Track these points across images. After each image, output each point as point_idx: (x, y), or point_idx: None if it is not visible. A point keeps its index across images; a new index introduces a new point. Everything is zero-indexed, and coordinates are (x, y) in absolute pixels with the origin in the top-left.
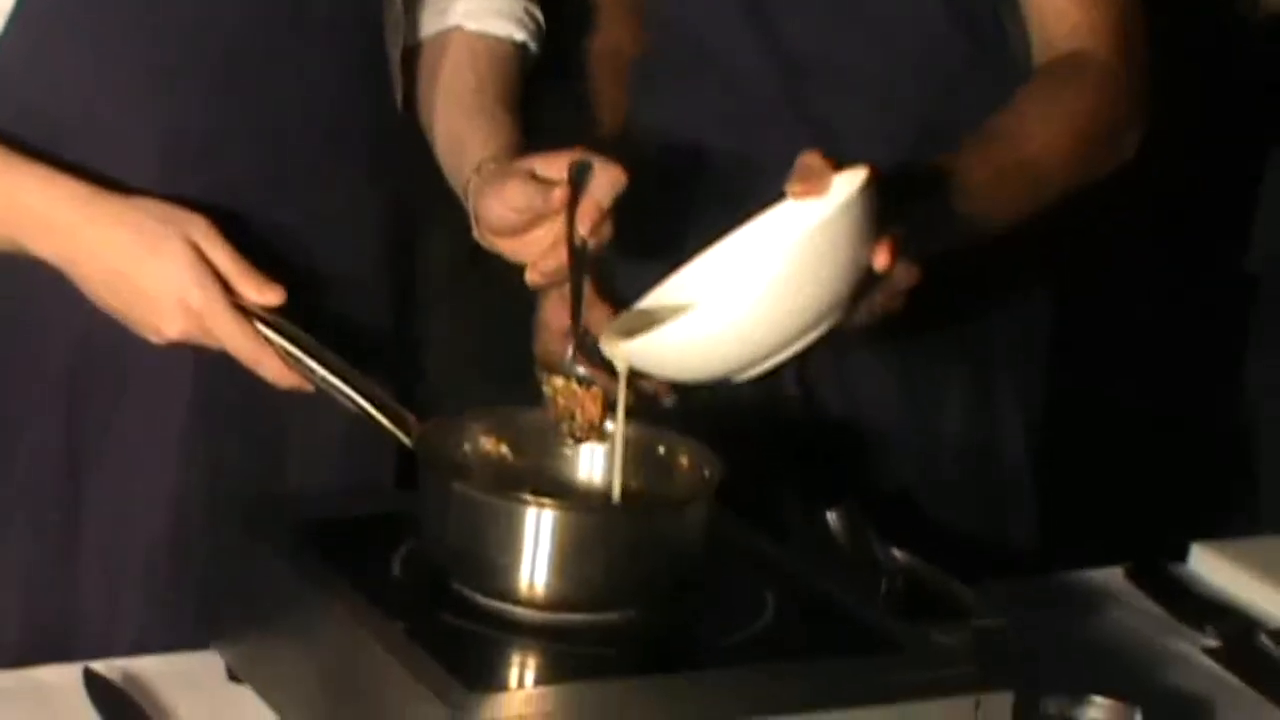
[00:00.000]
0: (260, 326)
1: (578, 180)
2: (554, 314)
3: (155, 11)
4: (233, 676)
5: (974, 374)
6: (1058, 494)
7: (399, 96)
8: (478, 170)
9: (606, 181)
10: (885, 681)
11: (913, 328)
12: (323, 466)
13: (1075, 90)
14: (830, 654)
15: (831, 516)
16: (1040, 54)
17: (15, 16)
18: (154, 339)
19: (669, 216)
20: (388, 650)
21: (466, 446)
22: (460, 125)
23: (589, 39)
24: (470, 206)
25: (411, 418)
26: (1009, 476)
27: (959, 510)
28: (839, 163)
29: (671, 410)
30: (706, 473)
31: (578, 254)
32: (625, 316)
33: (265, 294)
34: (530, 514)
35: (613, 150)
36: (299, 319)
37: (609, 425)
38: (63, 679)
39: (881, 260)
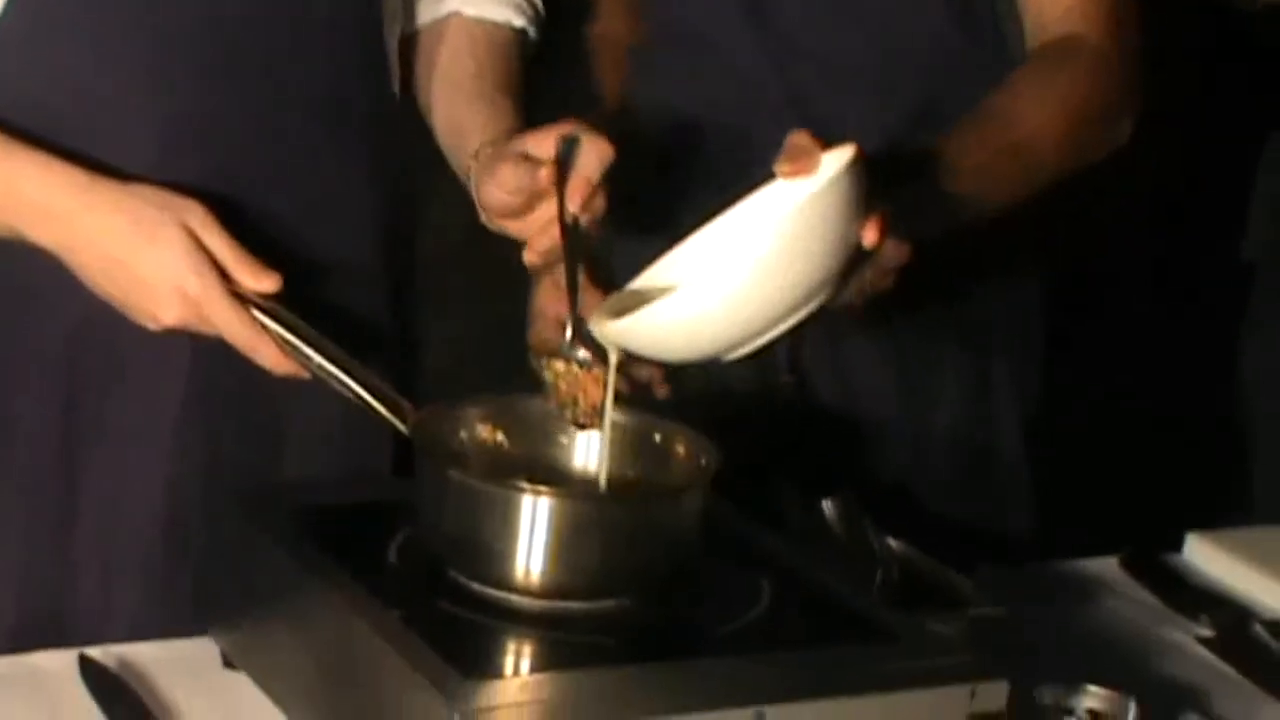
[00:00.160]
0: (257, 314)
1: (567, 157)
2: (548, 302)
3: None
4: (228, 663)
5: (969, 363)
6: (1054, 484)
7: (397, 85)
8: (475, 156)
9: (594, 156)
10: (881, 671)
11: (907, 312)
12: (320, 454)
13: (1068, 73)
14: (826, 643)
15: (827, 506)
16: (1033, 39)
17: (13, 3)
18: (151, 326)
19: (665, 202)
20: (384, 638)
21: (463, 434)
22: (460, 111)
23: (588, 27)
24: (473, 192)
25: (408, 405)
26: (1005, 465)
27: (955, 499)
28: (827, 143)
29: (666, 399)
30: (702, 461)
31: (570, 231)
32: (615, 298)
33: (262, 281)
34: (526, 502)
35: (604, 124)
36: (296, 306)
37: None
38: (58, 665)
39: (870, 236)
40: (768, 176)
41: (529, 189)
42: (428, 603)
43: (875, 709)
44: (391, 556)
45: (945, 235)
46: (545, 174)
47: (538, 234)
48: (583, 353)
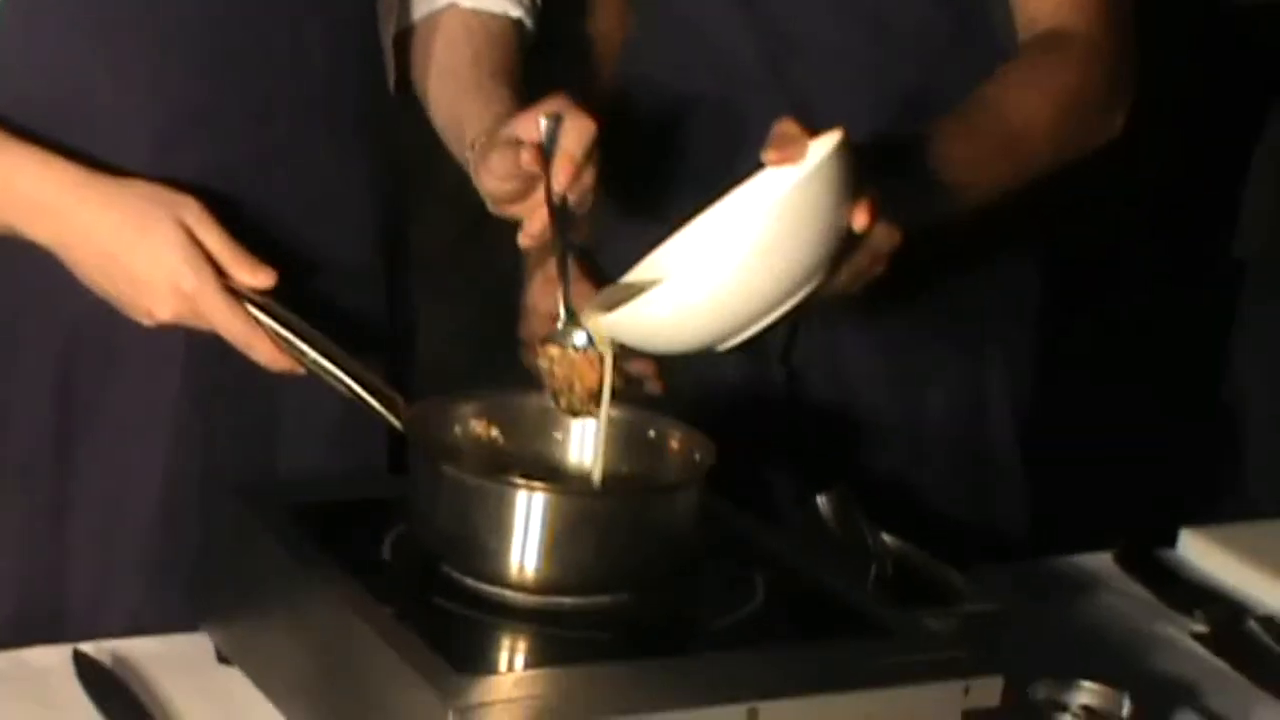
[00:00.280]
0: (252, 309)
1: (554, 136)
2: (540, 297)
3: None
4: (223, 659)
5: (962, 358)
6: (1048, 479)
7: (392, 80)
8: (472, 145)
9: (576, 133)
10: (875, 666)
11: (899, 301)
12: (315, 449)
13: (1058, 64)
14: (820, 639)
15: (822, 501)
16: (1024, 30)
17: (6, 3)
18: (146, 322)
19: (655, 195)
20: (378, 634)
21: (457, 429)
22: (458, 101)
23: (586, 21)
24: (475, 182)
25: (403, 401)
26: (998, 460)
27: (949, 494)
28: (815, 131)
29: (660, 394)
30: (697, 456)
31: (559, 211)
32: (607, 291)
33: (257, 276)
34: (521, 497)
35: (594, 102)
36: (291, 302)
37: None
38: (52, 660)
39: (860, 220)
40: (757, 166)
41: (519, 173)
42: (422, 598)
43: (869, 705)
44: (386, 552)
45: (936, 225)
46: (527, 156)
47: (529, 216)
48: (578, 336)
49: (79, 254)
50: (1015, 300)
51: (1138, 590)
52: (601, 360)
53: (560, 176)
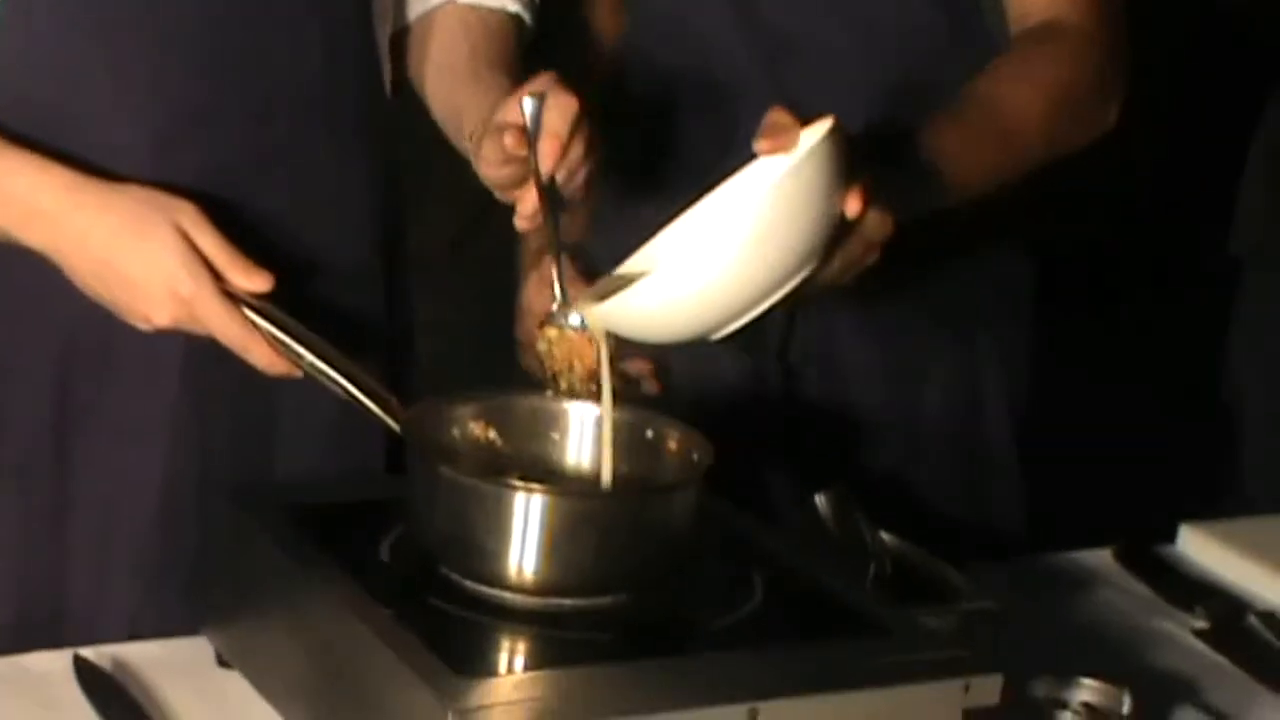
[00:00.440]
0: (249, 313)
1: (537, 116)
2: (537, 298)
3: None
4: (222, 662)
5: (957, 353)
6: (1044, 477)
7: (388, 81)
8: (470, 136)
9: (559, 110)
10: (874, 665)
11: (894, 298)
12: (313, 452)
13: (1050, 56)
14: (819, 638)
15: (820, 500)
16: (1016, 25)
17: (5, 4)
18: (143, 326)
19: (653, 187)
20: (377, 636)
21: (455, 431)
22: (456, 93)
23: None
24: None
25: (400, 403)
26: (995, 456)
27: (947, 492)
28: (806, 120)
29: (658, 393)
30: (695, 457)
31: (549, 191)
32: (601, 282)
33: (254, 280)
34: (519, 499)
35: (575, 79)
36: (289, 305)
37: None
38: (53, 666)
39: (853, 206)
40: (750, 157)
41: (509, 157)
42: (421, 601)
43: (869, 704)
44: (384, 554)
45: (929, 217)
46: (509, 139)
47: (520, 198)
48: (575, 316)
49: (75, 259)
50: (1010, 295)
51: (1137, 586)
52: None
53: (545, 155)
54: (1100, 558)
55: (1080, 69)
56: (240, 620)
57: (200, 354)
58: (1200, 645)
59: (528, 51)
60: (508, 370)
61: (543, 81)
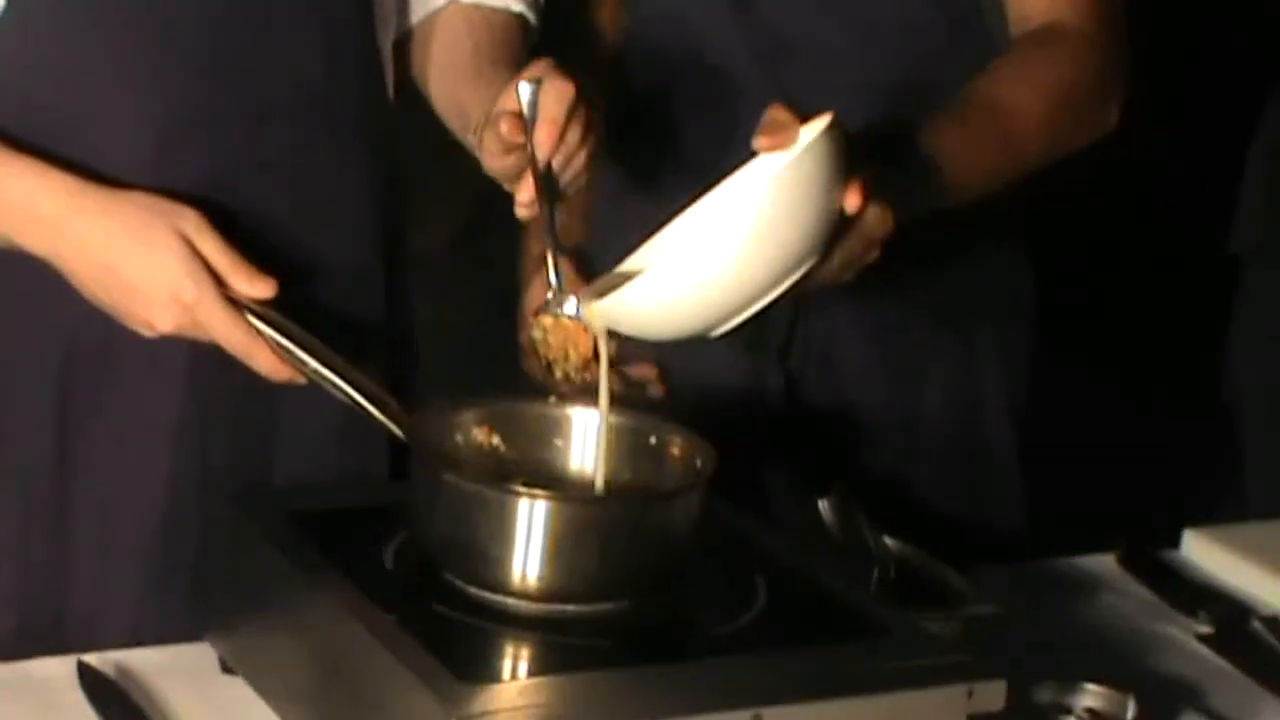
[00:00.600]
0: (252, 319)
1: (534, 102)
2: (538, 301)
3: None
4: (226, 668)
5: (958, 356)
6: (1047, 476)
7: (390, 85)
8: (474, 131)
9: (555, 95)
10: (878, 670)
11: (894, 297)
12: (316, 458)
13: (1051, 57)
14: (823, 643)
15: (823, 504)
16: (1016, 27)
17: (7, 5)
18: (146, 333)
19: (654, 187)
20: (380, 642)
21: (458, 437)
22: (459, 90)
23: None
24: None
25: (404, 409)
26: (996, 457)
27: (948, 493)
28: (805, 117)
29: (661, 398)
30: (699, 462)
31: (545, 178)
32: (602, 280)
33: (257, 286)
34: (523, 505)
35: (571, 66)
36: (291, 309)
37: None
38: (56, 671)
39: (853, 201)
40: (750, 155)
41: (509, 146)
42: (424, 606)
43: (873, 709)
44: (388, 560)
45: (928, 216)
46: (505, 126)
47: (517, 188)
48: (569, 305)
49: (76, 265)
50: (1010, 295)
51: (1141, 591)
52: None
53: (542, 141)
54: (1103, 562)
55: (1081, 70)
56: (243, 625)
57: (203, 359)
58: (1204, 650)
59: (532, 51)
60: (509, 373)
61: (539, 67)
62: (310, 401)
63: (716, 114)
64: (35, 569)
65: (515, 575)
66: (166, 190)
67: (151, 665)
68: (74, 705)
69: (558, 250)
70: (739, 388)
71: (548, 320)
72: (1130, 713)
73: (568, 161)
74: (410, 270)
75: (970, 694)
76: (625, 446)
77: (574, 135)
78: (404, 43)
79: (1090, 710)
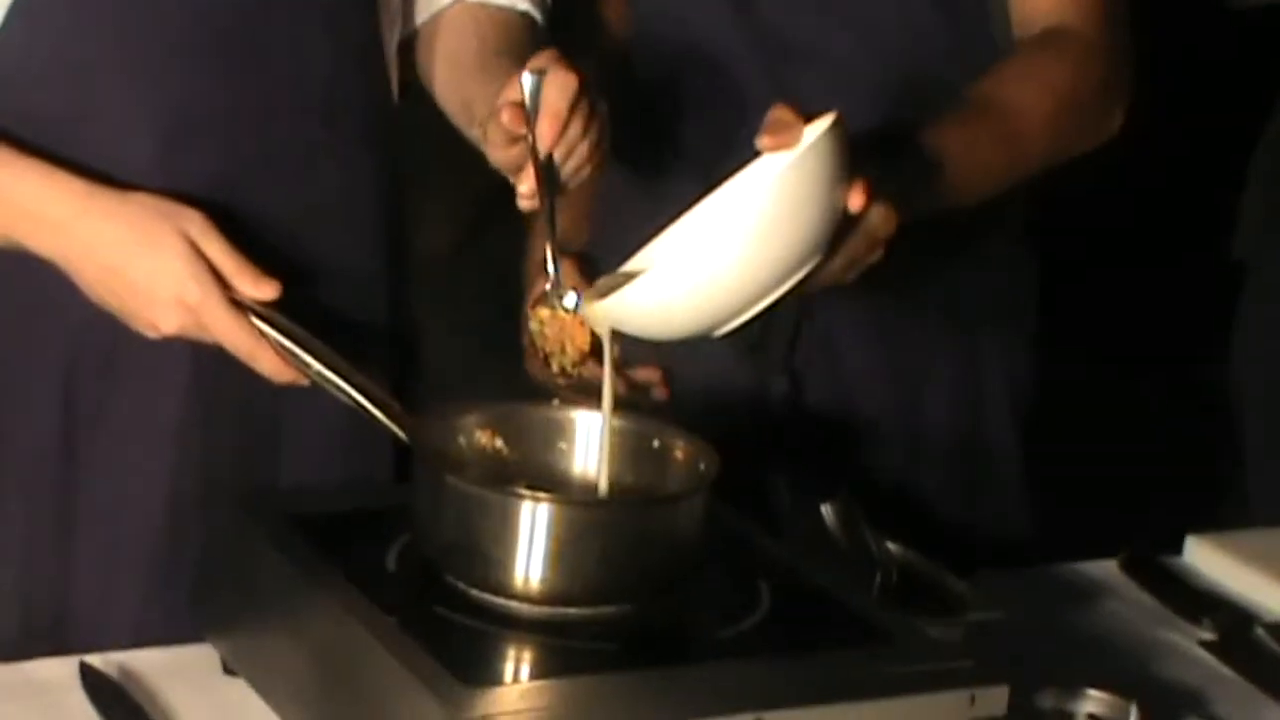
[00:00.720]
0: (256, 321)
1: (537, 93)
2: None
3: None
4: (228, 670)
5: (961, 358)
6: (1052, 487)
7: (395, 86)
8: (480, 124)
9: (558, 87)
10: (880, 675)
11: (898, 300)
12: (320, 460)
13: (1055, 61)
14: (825, 648)
15: (826, 509)
16: (1021, 30)
17: (13, 7)
18: (150, 334)
19: (659, 188)
20: (383, 644)
21: (462, 440)
22: (467, 86)
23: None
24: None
25: (407, 412)
26: (998, 459)
27: (951, 500)
28: (809, 116)
29: (665, 401)
30: (702, 466)
31: (547, 170)
32: (606, 279)
33: (261, 288)
34: (526, 508)
35: (576, 57)
36: (295, 311)
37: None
38: (59, 673)
39: (856, 200)
40: (754, 156)
41: (513, 138)
42: (426, 609)
43: (875, 714)
44: (390, 563)
45: (932, 217)
46: (507, 116)
47: (521, 178)
48: (568, 298)
49: (82, 266)
50: (1013, 296)
51: (1144, 598)
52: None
53: (543, 133)
54: (1106, 568)
55: (1085, 74)
56: (246, 627)
57: (207, 361)
58: (1207, 656)
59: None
60: (513, 376)
61: (544, 58)
62: (314, 404)
63: (719, 114)
64: (39, 570)
65: (517, 578)
66: (171, 192)
67: (154, 666)
68: (76, 706)
69: (557, 244)
70: (742, 391)
71: (544, 312)
72: (1133, 719)
73: (569, 154)
74: (414, 272)
75: (972, 699)
76: (628, 449)
77: (576, 128)
78: (408, 45)
79: (1092, 717)
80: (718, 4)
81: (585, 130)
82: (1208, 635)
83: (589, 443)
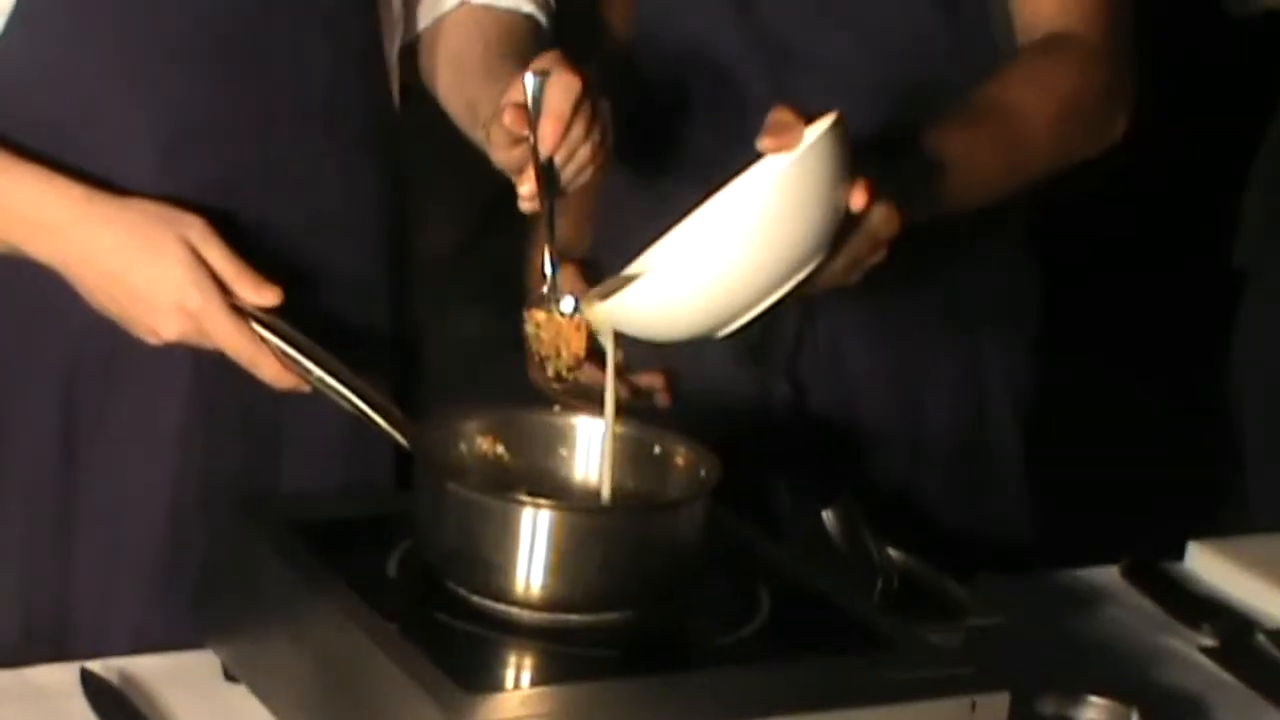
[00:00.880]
0: (257, 327)
1: (539, 94)
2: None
3: (155, 3)
4: (229, 676)
5: (963, 362)
6: (1053, 486)
7: (396, 92)
8: (484, 126)
9: (561, 89)
10: (881, 681)
11: (900, 305)
12: (321, 466)
13: (1059, 65)
14: (826, 654)
15: (828, 515)
16: (1025, 35)
17: (14, 15)
18: (151, 340)
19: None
20: (383, 651)
21: (463, 447)
22: (471, 88)
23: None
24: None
25: (408, 418)
26: (1000, 467)
27: (952, 504)
28: (810, 117)
29: (667, 406)
30: (703, 472)
31: (547, 172)
32: (608, 281)
33: (262, 294)
34: (526, 514)
35: (580, 60)
36: (296, 317)
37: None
38: (59, 679)
39: (858, 199)
40: (756, 157)
41: (515, 139)
42: (428, 616)
43: None
44: (391, 569)
45: (935, 220)
46: (509, 117)
47: (522, 180)
48: (565, 303)
49: (82, 273)
50: (1015, 299)
51: (1145, 604)
52: (588, 324)
53: (545, 136)
54: (1108, 574)
55: (1088, 79)
56: (246, 634)
57: (208, 367)
58: (1208, 663)
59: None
60: (514, 382)
61: (547, 59)
62: (315, 410)
63: (720, 116)
64: (40, 576)
65: (518, 585)
66: (172, 198)
67: (155, 672)
68: (77, 712)
69: (555, 247)
70: (744, 395)
71: (541, 316)
72: None
73: (571, 156)
74: (415, 278)
75: (973, 705)
76: (629, 456)
77: (578, 130)
78: (409, 49)
79: None
80: (718, 6)
81: (588, 132)
82: (1208, 641)
83: (589, 449)
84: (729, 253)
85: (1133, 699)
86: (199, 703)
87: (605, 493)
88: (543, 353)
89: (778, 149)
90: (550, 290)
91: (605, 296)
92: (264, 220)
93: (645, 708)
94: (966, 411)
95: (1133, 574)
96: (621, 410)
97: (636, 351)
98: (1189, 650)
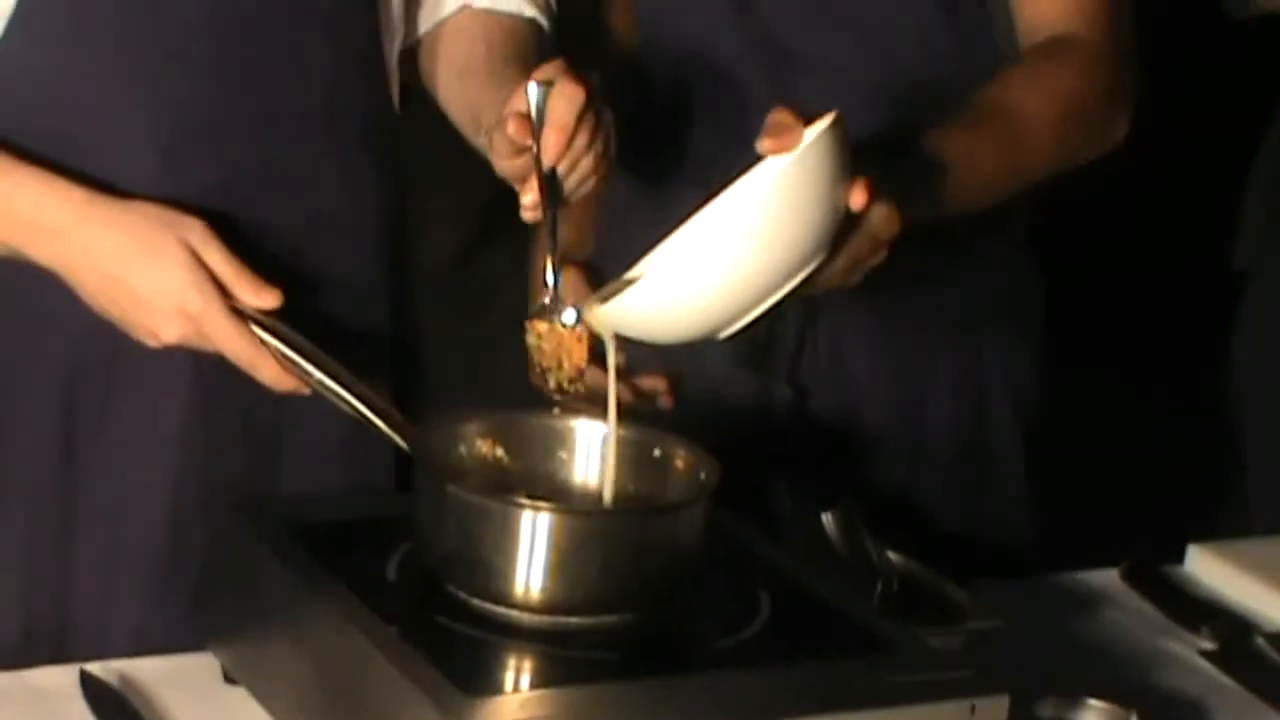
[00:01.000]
0: (257, 330)
1: (543, 104)
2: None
3: (155, 5)
4: (229, 678)
5: (964, 364)
6: (1054, 490)
7: (396, 95)
8: (486, 133)
9: (564, 99)
10: (880, 685)
11: (901, 302)
12: (321, 469)
13: (1061, 67)
14: (825, 657)
15: (827, 518)
16: (1027, 37)
17: (14, 17)
18: (151, 343)
19: (664, 194)
20: (383, 654)
21: (463, 449)
22: (473, 93)
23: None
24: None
25: (408, 421)
26: (1001, 469)
27: (953, 506)
28: (809, 119)
29: (669, 409)
30: (703, 475)
31: (549, 182)
32: (610, 285)
33: (263, 297)
34: (526, 517)
35: (583, 66)
36: (296, 320)
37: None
38: (59, 681)
39: (858, 198)
40: (756, 160)
41: (518, 148)
42: (427, 618)
43: None
44: (391, 572)
45: (935, 222)
46: (512, 126)
47: (522, 190)
48: (567, 314)
49: (82, 275)
50: (1016, 301)
51: (1145, 607)
52: (589, 335)
53: (549, 147)
54: (1107, 577)
55: (1090, 81)
56: (246, 636)
57: (208, 369)
58: (1207, 666)
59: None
60: (514, 385)
61: (551, 69)
62: (315, 413)
63: (721, 119)
64: (39, 578)
65: (518, 587)
66: (172, 201)
67: (154, 675)
68: (77, 714)
69: (558, 257)
70: (744, 399)
71: (543, 326)
72: None
73: (574, 166)
74: (416, 281)
75: (973, 709)
76: (629, 458)
77: (582, 140)
78: (409, 53)
79: None
80: (719, 7)
81: (591, 142)
82: (1208, 645)
83: (590, 452)
84: (729, 254)
85: (1132, 702)
86: (199, 705)
87: (608, 495)
88: (544, 364)
89: (777, 150)
90: (552, 300)
91: (606, 300)
92: (264, 221)
93: (645, 710)
94: (967, 412)
95: (1132, 577)
96: (623, 413)
97: (638, 353)
98: (1189, 653)
